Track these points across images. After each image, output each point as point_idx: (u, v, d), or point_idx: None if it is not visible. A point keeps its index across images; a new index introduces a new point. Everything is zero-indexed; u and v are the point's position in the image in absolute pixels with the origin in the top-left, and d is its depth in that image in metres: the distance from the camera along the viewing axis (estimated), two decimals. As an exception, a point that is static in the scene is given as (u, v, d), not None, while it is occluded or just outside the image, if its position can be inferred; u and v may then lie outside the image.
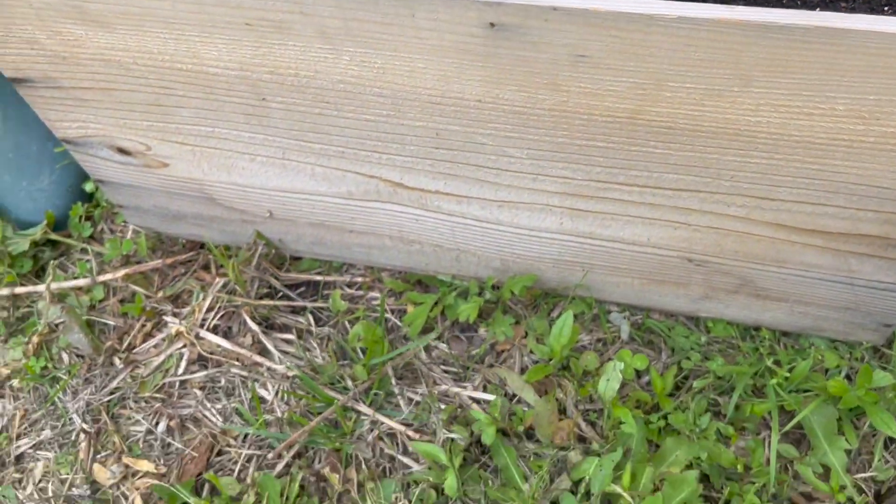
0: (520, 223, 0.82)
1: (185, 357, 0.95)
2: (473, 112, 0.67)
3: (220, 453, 0.89)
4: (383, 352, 0.90)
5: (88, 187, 1.09)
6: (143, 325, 0.98)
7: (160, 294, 1.00)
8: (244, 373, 0.93)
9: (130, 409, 0.92)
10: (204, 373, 0.94)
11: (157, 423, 0.91)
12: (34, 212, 1.05)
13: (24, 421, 0.93)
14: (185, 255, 1.03)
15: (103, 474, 0.88)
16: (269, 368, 0.92)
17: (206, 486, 0.86)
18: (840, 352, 0.87)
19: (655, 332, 0.91)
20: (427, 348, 0.93)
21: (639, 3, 0.53)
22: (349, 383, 0.90)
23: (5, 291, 1.00)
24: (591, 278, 0.89)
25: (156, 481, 0.86)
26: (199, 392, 0.93)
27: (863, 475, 0.81)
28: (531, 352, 0.91)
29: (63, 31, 0.72)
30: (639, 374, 0.89)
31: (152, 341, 0.97)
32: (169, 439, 0.90)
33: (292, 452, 0.86)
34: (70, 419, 0.92)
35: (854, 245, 0.71)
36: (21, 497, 0.88)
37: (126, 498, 0.86)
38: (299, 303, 0.98)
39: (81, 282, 1.00)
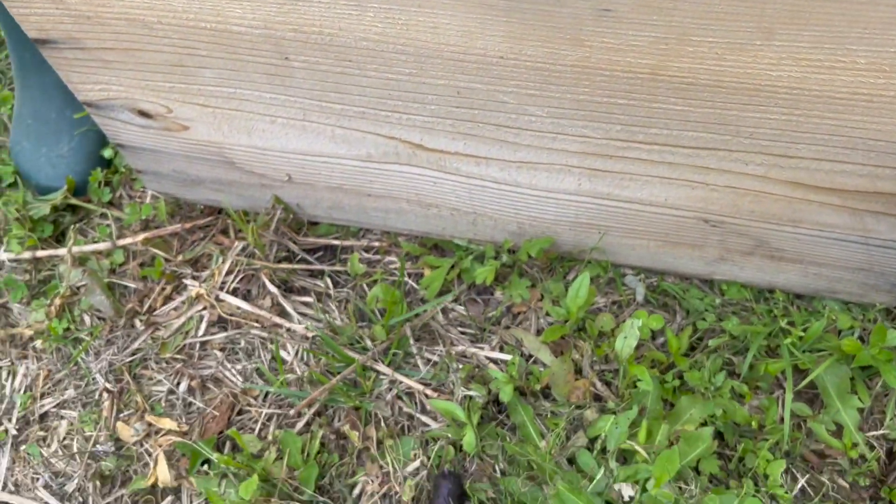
0: (538, 184, 0.82)
1: (206, 319, 0.96)
2: (495, 69, 0.68)
3: (240, 412, 0.90)
4: (402, 312, 0.91)
5: (107, 154, 1.10)
6: (163, 289, 0.99)
7: (179, 258, 1.01)
8: (264, 334, 0.94)
9: (152, 369, 0.94)
10: (224, 334, 0.95)
11: (178, 383, 0.93)
12: (54, 178, 1.07)
13: (48, 381, 0.95)
14: (204, 220, 1.04)
15: (127, 432, 0.89)
16: (288, 330, 0.94)
17: (228, 444, 0.88)
18: (853, 313, 0.88)
19: (670, 295, 0.92)
20: (444, 310, 0.94)
21: (664, -46, 0.54)
22: (368, 343, 0.91)
23: (27, 255, 1.01)
24: (607, 241, 0.90)
25: (178, 438, 0.87)
26: (219, 353, 0.94)
27: (875, 433, 0.82)
28: (547, 314, 0.92)
29: (88, -10, 0.73)
30: (654, 335, 0.90)
31: (172, 304, 0.99)
32: (190, 399, 0.91)
33: (313, 410, 0.88)
34: (93, 379, 0.94)
35: (871, 203, 0.72)
36: (45, 454, 0.90)
37: (150, 454, 0.88)
38: (317, 266, 0.99)
39: (101, 246, 1.01)
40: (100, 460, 0.88)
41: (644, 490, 0.76)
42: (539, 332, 0.91)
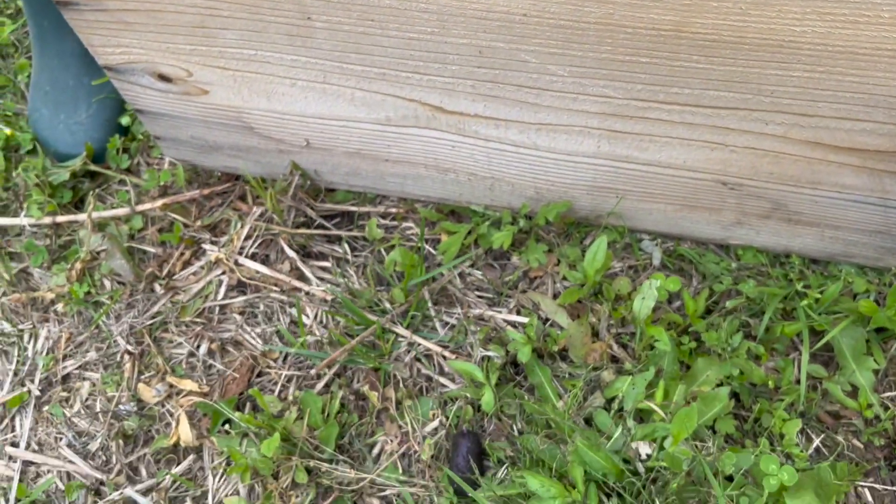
0: (557, 147, 0.83)
1: (225, 283, 0.97)
2: (518, 27, 0.68)
3: (260, 374, 0.91)
4: (420, 275, 0.92)
5: (125, 121, 1.11)
6: (182, 254, 1.00)
7: (198, 223, 1.02)
8: (283, 297, 0.95)
9: (172, 332, 0.95)
10: (243, 298, 0.96)
11: (198, 346, 0.94)
12: (72, 144, 1.07)
13: (70, 343, 0.96)
14: (221, 187, 1.05)
15: (148, 393, 0.91)
16: (307, 293, 0.95)
17: (248, 405, 0.89)
18: (868, 277, 0.88)
19: (686, 260, 0.93)
20: (461, 275, 0.95)
21: None
22: (387, 306, 0.92)
23: (47, 220, 1.02)
24: (624, 206, 0.90)
25: (200, 399, 0.89)
26: (238, 317, 0.95)
27: (889, 394, 0.83)
28: (564, 278, 0.93)
29: (112, -51, 0.73)
30: (670, 299, 0.91)
31: (191, 268, 0.99)
32: (210, 361, 0.93)
33: (332, 371, 0.89)
34: (114, 341, 0.95)
35: (890, 164, 0.72)
36: (68, 414, 0.91)
37: (171, 415, 0.89)
38: (335, 232, 1.00)
39: (121, 211, 1.02)
40: (122, 420, 0.89)
41: (661, 448, 0.77)
42: (556, 296, 0.92)
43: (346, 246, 0.99)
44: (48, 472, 0.88)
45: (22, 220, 1.03)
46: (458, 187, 0.95)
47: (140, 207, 1.02)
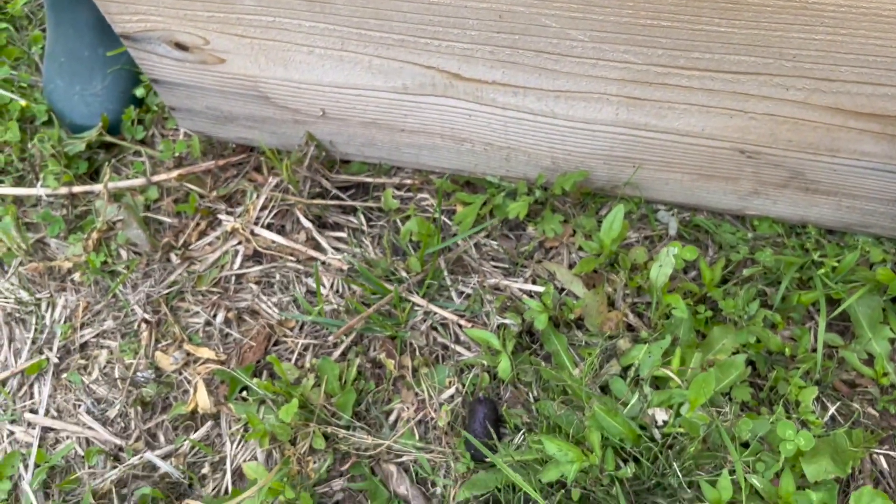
0: (575, 115, 0.83)
1: (241, 253, 0.97)
2: (539, -10, 0.68)
3: (277, 343, 0.92)
4: (437, 244, 0.92)
5: (139, 92, 1.11)
6: (198, 224, 1.01)
7: (213, 194, 1.02)
8: (299, 267, 0.95)
9: (188, 301, 0.95)
10: (259, 268, 0.96)
11: (214, 315, 0.94)
12: (88, 116, 1.07)
13: (87, 312, 0.96)
14: (237, 158, 1.05)
15: (166, 361, 0.91)
16: (323, 262, 0.95)
17: (265, 373, 0.90)
18: (885, 247, 0.88)
19: (702, 230, 0.93)
20: (477, 245, 0.95)
21: None
22: (403, 275, 0.92)
23: (63, 190, 1.02)
24: (641, 175, 0.90)
25: (217, 366, 0.89)
26: (254, 286, 0.95)
27: (906, 363, 0.83)
28: (580, 249, 0.93)
29: (132, -87, 0.73)
30: (686, 269, 0.91)
31: (207, 238, 1.00)
32: (227, 330, 0.93)
33: (349, 339, 0.89)
34: (131, 310, 0.95)
35: (910, 129, 0.72)
36: (87, 381, 0.92)
37: (189, 382, 0.90)
38: (350, 203, 1.00)
39: (136, 182, 1.02)
40: (140, 387, 0.90)
41: (678, 414, 0.77)
42: (571, 266, 0.92)
43: (361, 217, 0.99)
44: (67, 437, 0.89)
45: (39, 191, 1.03)
46: (473, 157, 0.95)
47: (155, 178, 1.02)
